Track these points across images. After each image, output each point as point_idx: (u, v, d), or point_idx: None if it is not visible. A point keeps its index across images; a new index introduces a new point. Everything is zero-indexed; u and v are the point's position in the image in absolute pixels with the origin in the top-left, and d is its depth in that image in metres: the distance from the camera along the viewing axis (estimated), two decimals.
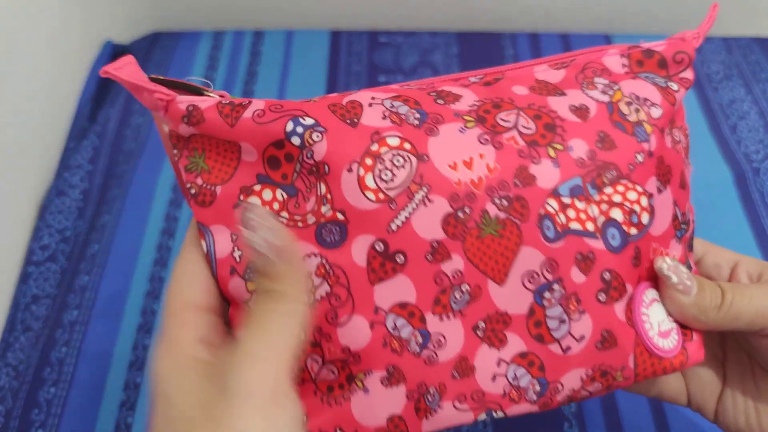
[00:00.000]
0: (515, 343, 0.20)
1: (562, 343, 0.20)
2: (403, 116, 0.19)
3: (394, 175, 0.18)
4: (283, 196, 0.19)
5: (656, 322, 0.21)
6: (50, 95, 0.44)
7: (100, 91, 0.50)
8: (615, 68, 0.21)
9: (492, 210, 0.19)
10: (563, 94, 0.20)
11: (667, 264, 0.21)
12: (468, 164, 0.18)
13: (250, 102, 0.19)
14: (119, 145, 0.45)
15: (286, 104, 0.19)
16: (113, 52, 0.52)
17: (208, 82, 0.21)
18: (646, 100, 0.21)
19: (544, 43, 0.51)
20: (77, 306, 0.37)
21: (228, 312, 0.20)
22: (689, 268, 0.23)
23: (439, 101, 0.20)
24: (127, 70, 0.18)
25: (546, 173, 0.19)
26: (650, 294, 0.21)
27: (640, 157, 0.20)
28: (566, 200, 0.19)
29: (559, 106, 0.20)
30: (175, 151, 0.20)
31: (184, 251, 0.19)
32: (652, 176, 0.20)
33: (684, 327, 0.22)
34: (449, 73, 0.50)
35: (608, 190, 0.19)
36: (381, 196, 0.18)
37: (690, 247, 0.23)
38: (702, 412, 0.24)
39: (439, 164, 0.18)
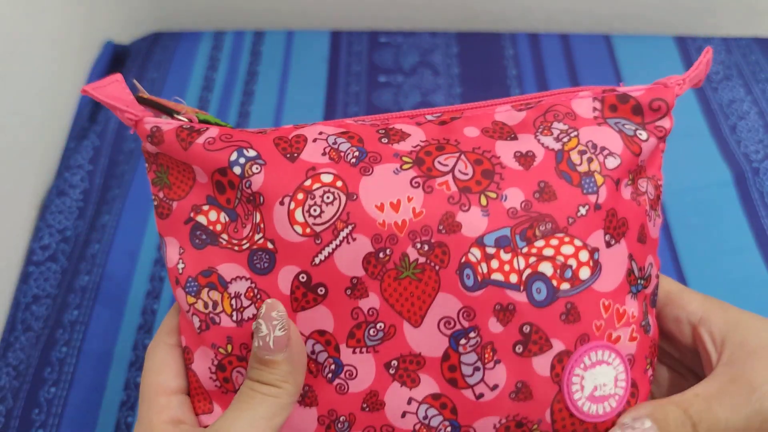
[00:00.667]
0: (428, 384, 0.20)
1: (476, 390, 0.20)
2: (342, 153, 0.19)
3: (322, 211, 0.19)
4: (225, 218, 0.20)
5: (592, 384, 0.20)
6: (51, 95, 0.44)
7: None
8: (583, 112, 0.21)
9: (412, 254, 0.19)
10: (514, 138, 0.20)
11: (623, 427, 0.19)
12: (395, 206, 0.19)
13: (207, 129, 0.20)
14: (119, 145, 0.45)
15: (236, 134, 0.20)
16: (114, 52, 0.52)
17: (181, 101, 0.22)
18: (603, 149, 0.20)
19: (544, 43, 0.51)
20: (77, 306, 0.37)
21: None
22: (647, 326, 0.21)
23: (383, 140, 0.20)
24: (110, 88, 0.20)
25: (473, 222, 0.19)
26: (601, 356, 0.20)
27: (583, 210, 0.19)
28: (491, 250, 0.19)
29: (505, 151, 0.20)
30: (147, 164, 0.21)
31: (157, 337, 0.22)
32: (598, 229, 0.20)
33: (632, 395, 0.21)
34: (449, 72, 0.50)
35: (539, 243, 0.19)
36: (308, 230, 0.19)
37: (652, 303, 0.22)
38: None
39: (367, 204, 0.19)
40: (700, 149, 0.45)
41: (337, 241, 0.19)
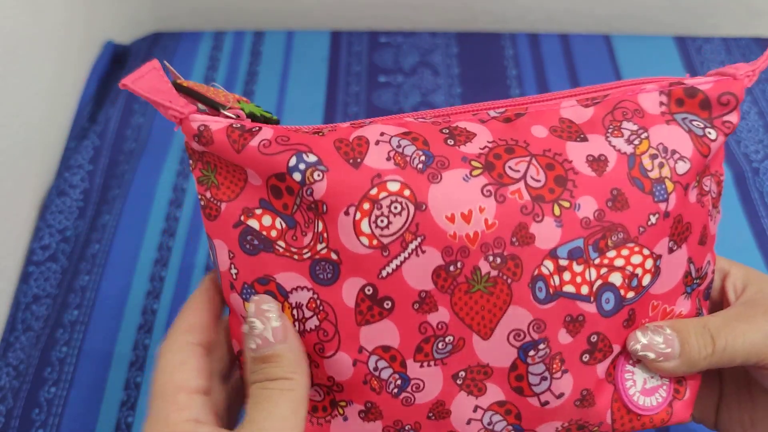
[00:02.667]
0: (494, 393, 0.20)
1: (541, 398, 0.20)
2: (407, 158, 0.18)
3: (390, 222, 0.18)
4: (282, 225, 0.19)
5: (642, 378, 0.21)
6: (51, 95, 0.44)
7: (101, 91, 0.50)
8: (650, 108, 0.20)
9: (484, 267, 0.18)
10: (585, 139, 0.19)
11: (640, 344, 0.20)
12: (466, 217, 0.18)
13: (260, 129, 0.19)
14: (120, 145, 0.45)
15: (293, 136, 0.19)
16: (114, 52, 0.52)
17: (218, 86, 0.20)
18: (674, 152, 0.19)
19: (544, 43, 0.52)
20: (78, 306, 0.37)
21: (227, 392, 0.22)
22: (700, 311, 0.22)
23: (449, 141, 0.19)
24: (147, 78, 0.19)
25: (546, 233, 0.18)
26: None
27: (653, 219, 0.19)
28: (563, 262, 0.18)
29: (577, 154, 0.19)
30: (191, 161, 0.20)
31: (173, 333, 0.20)
32: (664, 237, 0.19)
33: (679, 382, 0.22)
34: (449, 73, 0.50)
35: (611, 253, 0.19)
36: (375, 242, 0.18)
37: (705, 296, 0.22)
38: (703, 423, 0.24)
39: (437, 215, 0.18)
40: None
41: (406, 254, 0.18)
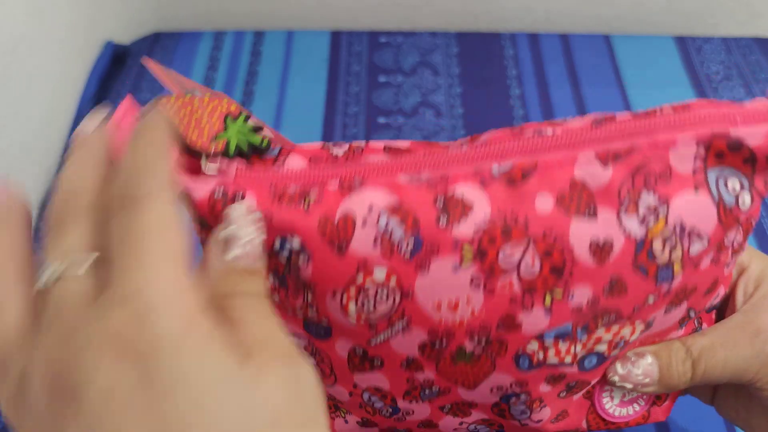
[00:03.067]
0: (478, 415, 0.22)
1: (522, 421, 0.22)
2: (395, 244, 0.17)
3: (376, 308, 0.18)
4: (275, 282, 0.18)
5: (619, 395, 0.22)
6: (51, 95, 0.44)
7: (101, 91, 0.50)
8: (680, 165, 0.17)
9: (469, 347, 0.19)
10: (594, 215, 0.17)
11: (618, 375, 0.20)
12: (452, 306, 0.18)
13: (243, 197, 0.17)
14: None
15: (277, 214, 0.17)
16: (114, 52, 0.52)
17: (195, 93, 0.18)
18: (691, 233, 0.17)
19: (544, 43, 0.52)
20: None
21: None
22: (699, 321, 0.21)
23: (441, 220, 0.17)
24: (126, 124, 0.17)
25: (534, 321, 0.18)
26: None
27: (651, 299, 0.18)
28: (549, 342, 0.18)
29: (580, 239, 0.17)
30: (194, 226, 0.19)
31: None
32: (661, 309, 0.18)
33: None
34: (449, 72, 0.50)
35: (600, 331, 0.18)
36: (362, 320, 0.18)
37: (709, 310, 0.22)
38: (700, 399, 0.25)
39: (423, 303, 0.18)
40: None
41: (392, 332, 0.18)
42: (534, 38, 0.52)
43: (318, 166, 0.18)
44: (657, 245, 0.17)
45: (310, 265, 0.17)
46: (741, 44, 0.51)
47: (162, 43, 0.51)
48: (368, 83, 0.49)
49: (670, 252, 0.17)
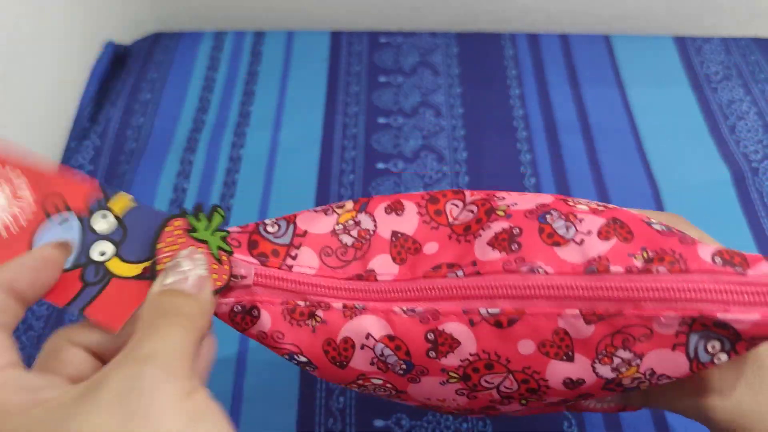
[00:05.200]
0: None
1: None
2: (390, 365, 0.20)
3: (376, 393, 0.21)
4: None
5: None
6: (52, 95, 0.44)
7: (102, 91, 0.50)
8: (663, 331, 0.17)
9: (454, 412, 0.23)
10: (570, 359, 0.18)
11: None
12: (441, 400, 0.21)
13: (258, 315, 0.20)
14: (120, 145, 0.45)
15: (287, 333, 0.20)
16: (114, 52, 0.52)
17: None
18: (661, 376, 0.18)
19: (544, 43, 0.52)
20: None
21: None
22: None
23: (431, 353, 0.19)
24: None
25: (511, 409, 0.21)
26: None
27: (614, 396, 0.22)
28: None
29: (555, 375, 0.18)
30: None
31: None
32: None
33: None
34: (449, 72, 0.50)
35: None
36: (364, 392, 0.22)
37: None
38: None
39: (415, 396, 0.21)
40: (699, 149, 0.45)
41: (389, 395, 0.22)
42: (534, 38, 0.52)
43: (329, 274, 0.20)
44: (625, 381, 0.18)
45: (317, 372, 0.21)
46: (740, 44, 0.51)
47: (162, 44, 0.51)
48: (368, 83, 0.49)
49: (638, 384, 0.19)
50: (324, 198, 0.42)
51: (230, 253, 0.20)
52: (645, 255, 0.18)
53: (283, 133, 0.46)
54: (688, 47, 0.51)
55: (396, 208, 0.21)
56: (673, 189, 0.42)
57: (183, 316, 0.17)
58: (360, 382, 0.21)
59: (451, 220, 0.21)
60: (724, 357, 0.17)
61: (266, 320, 0.20)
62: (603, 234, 0.18)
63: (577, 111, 0.47)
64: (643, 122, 0.46)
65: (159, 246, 0.19)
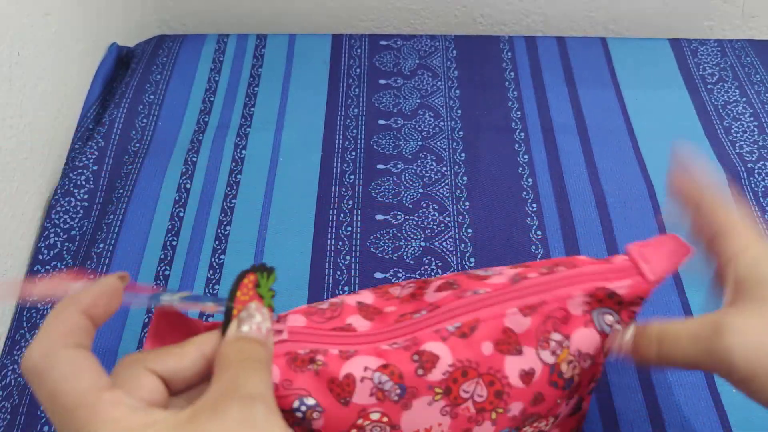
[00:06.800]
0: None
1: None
2: (386, 392, 0.23)
3: None
4: None
5: None
6: (56, 97, 0.45)
7: (106, 93, 0.50)
8: (575, 310, 0.24)
9: None
10: (520, 352, 0.24)
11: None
12: (428, 430, 0.24)
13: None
14: (124, 146, 0.46)
15: (295, 379, 0.23)
16: (118, 54, 0.52)
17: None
18: (585, 356, 0.25)
19: (541, 46, 0.52)
20: None
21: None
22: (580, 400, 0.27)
23: (419, 372, 0.23)
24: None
25: (484, 430, 0.25)
26: None
27: (560, 400, 0.25)
28: None
29: (512, 370, 0.24)
30: None
31: (49, 343, 0.19)
32: (564, 405, 0.26)
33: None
34: (448, 75, 0.51)
35: (527, 428, 0.25)
36: None
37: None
38: None
39: (407, 430, 0.24)
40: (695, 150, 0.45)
41: None
42: (531, 41, 0.52)
43: (317, 326, 0.24)
44: (564, 366, 0.24)
45: (322, 418, 0.23)
46: (736, 46, 0.52)
47: (166, 46, 0.52)
48: (369, 85, 0.49)
49: (573, 370, 0.25)
50: (325, 198, 0.42)
51: (273, 311, 0.24)
52: (546, 269, 0.25)
53: (285, 134, 0.46)
54: (683, 49, 0.52)
55: (352, 292, 0.27)
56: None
57: (262, 361, 0.20)
58: (360, 422, 0.23)
59: (397, 293, 0.27)
60: (618, 327, 0.24)
61: (276, 372, 0.23)
62: (511, 268, 0.26)
63: (574, 112, 0.48)
64: (639, 124, 0.47)
65: (237, 294, 0.22)
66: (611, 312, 0.25)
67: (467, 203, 0.42)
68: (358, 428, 0.23)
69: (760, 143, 0.46)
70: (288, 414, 0.23)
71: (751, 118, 0.47)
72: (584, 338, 0.24)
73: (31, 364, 0.17)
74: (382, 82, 0.50)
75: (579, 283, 0.25)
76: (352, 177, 0.44)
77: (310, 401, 0.23)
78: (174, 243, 0.40)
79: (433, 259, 0.39)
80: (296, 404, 0.23)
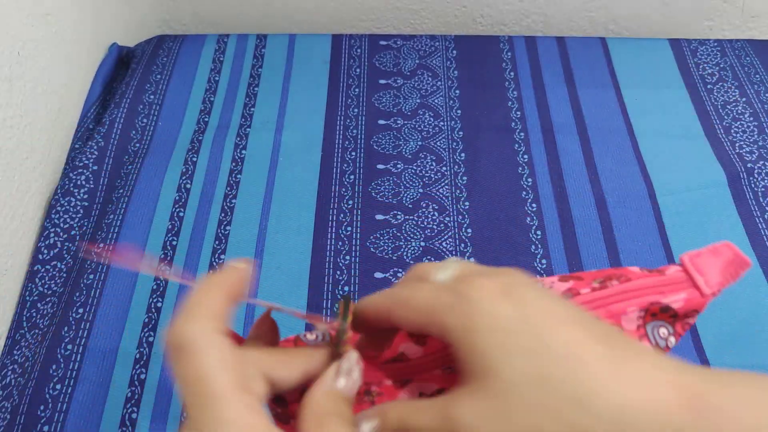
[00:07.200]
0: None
1: None
2: None
3: None
4: None
5: None
6: (57, 97, 0.45)
7: (106, 93, 0.50)
8: (630, 325, 0.24)
9: None
10: None
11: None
12: None
13: (375, 397, 0.22)
14: (124, 146, 0.46)
15: (355, 409, 0.22)
16: (118, 54, 0.52)
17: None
18: None
19: (541, 46, 0.52)
20: (83, 304, 0.37)
21: None
22: None
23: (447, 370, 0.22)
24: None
25: None
26: None
27: None
28: None
29: None
30: None
31: (194, 318, 0.19)
32: None
33: None
34: (448, 75, 0.51)
35: None
36: None
37: None
38: None
39: None
40: (695, 150, 0.45)
41: None
42: (531, 41, 0.52)
43: (370, 361, 0.23)
44: None
45: None
46: (735, 46, 0.52)
47: (165, 46, 0.52)
48: (369, 85, 0.49)
49: None
50: (325, 198, 0.42)
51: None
52: (599, 282, 0.24)
53: (285, 134, 0.46)
54: (683, 49, 0.52)
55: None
56: (669, 189, 0.43)
57: (348, 420, 0.19)
58: None
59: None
60: (672, 340, 0.23)
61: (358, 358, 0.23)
62: (561, 279, 0.25)
63: (574, 112, 0.48)
64: (639, 123, 0.47)
65: (347, 320, 0.22)
66: (665, 325, 0.24)
67: (467, 203, 0.42)
68: None
69: (760, 143, 0.45)
70: None
71: (751, 118, 0.47)
72: None
73: (180, 341, 0.17)
74: (382, 82, 0.50)
75: (633, 298, 0.24)
76: (352, 177, 0.44)
77: None
78: (174, 243, 0.40)
79: (433, 259, 0.39)
80: None
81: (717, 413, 0.15)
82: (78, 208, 0.42)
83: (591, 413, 0.16)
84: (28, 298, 0.38)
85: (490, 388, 0.17)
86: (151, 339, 0.36)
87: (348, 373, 0.20)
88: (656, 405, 0.15)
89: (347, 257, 0.39)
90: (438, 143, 0.46)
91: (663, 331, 0.24)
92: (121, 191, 0.43)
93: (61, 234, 0.41)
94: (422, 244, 0.40)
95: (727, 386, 0.16)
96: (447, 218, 0.41)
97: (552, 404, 0.16)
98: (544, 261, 0.39)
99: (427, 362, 0.24)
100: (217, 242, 0.40)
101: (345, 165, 0.45)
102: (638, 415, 0.15)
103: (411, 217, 0.41)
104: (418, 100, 0.49)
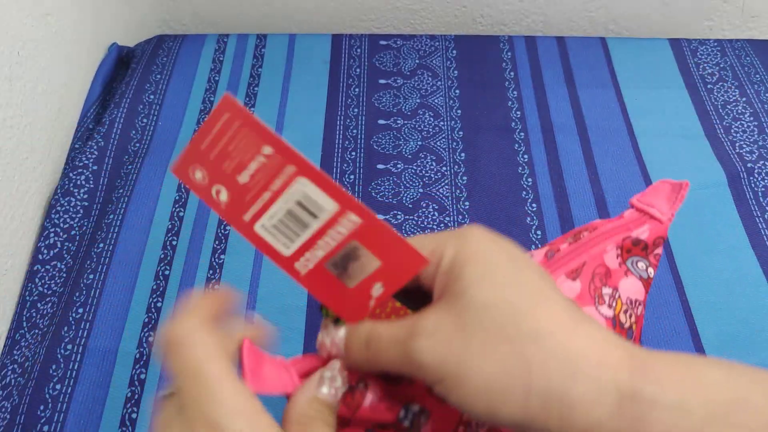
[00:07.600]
0: None
1: None
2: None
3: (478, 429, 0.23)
4: None
5: None
6: (57, 96, 0.45)
7: (106, 93, 0.50)
8: (612, 263, 0.26)
9: None
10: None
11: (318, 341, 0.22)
12: None
13: (366, 386, 0.22)
14: (124, 146, 0.46)
15: (394, 393, 0.22)
16: (118, 54, 0.52)
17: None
18: (636, 302, 0.26)
19: (541, 45, 0.52)
20: (83, 303, 0.37)
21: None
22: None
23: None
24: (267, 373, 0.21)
25: None
26: None
27: None
28: None
29: None
30: None
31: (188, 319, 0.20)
32: None
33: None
34: (448, 75, 0.51)
35: None
36: None
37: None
38: None
39: None
40: (695, 150, 0.45)
41: None
42: (531, 41, 0.52)
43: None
44: (622, 316, 0.25)
45: (430, 420, 0.22)
46: (735, 46, 0.52)
47: (165, 46, 0.52)
48: (368, 85, 0.49)
49: (630, 318, 0.26)
50: None
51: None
52: (572, 237, 0.27)
53: (285, 134, 0.46)
54: (683, 49, 0.52)
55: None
56: None
57: (330, 425, 0.20)
58: (465, 418, 0.23)
59: None
60: (651, 271, 0.26)
61: (376, 391, 0.22)
62: (538, 250, 0.27)
63: (574, 112, 0.48)
64: (639, 123, 0.47)
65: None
66: (641, 259, 0.27)
67: (467, 203, 0.42)
68: (464, 424, 0.23)
69: (760, 143, 0.46)
70: (395, 427, 0.22)
71: (751, 118, 0.47)
72: (630, 287, 0.26)
73: (175, 336, 0.19)
74: (382, 81, 0.50)
75: (606, 240, 0.26)
76: (352, 177, 0.44)
77: (415, 407, 0.22)
78: (174, 243, 0.40)
79: None
80: (402, 414, 0.22)
81: (653, 372, 0.16)
82: (78, 208, 0.42)
83: (545, 349, 0.17)
84: (28, 298, 0.38)
85: (459, 306, 0.18)
86: (151, 339, 0.36)
87: (331, 380, 0.21)
88: (602, 358, 0.17)
89: None
90: (438, 143, 0.46)
91: (641, 264, 0.27)
92: (121, 191, 0.43)
93: (61, 234, 0.41)
94: None
95: (668, 356, 0.17)
96: (447, 218, 0.41)
97: (510, 332, 0.17)
98: None
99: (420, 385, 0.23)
100: (217, 242, 0.40)
101: (345, 165, 0.45)
102: (585, 362, 0.17)
103: (411, 217, 0.41)
104: (418, 100, 0.49)
